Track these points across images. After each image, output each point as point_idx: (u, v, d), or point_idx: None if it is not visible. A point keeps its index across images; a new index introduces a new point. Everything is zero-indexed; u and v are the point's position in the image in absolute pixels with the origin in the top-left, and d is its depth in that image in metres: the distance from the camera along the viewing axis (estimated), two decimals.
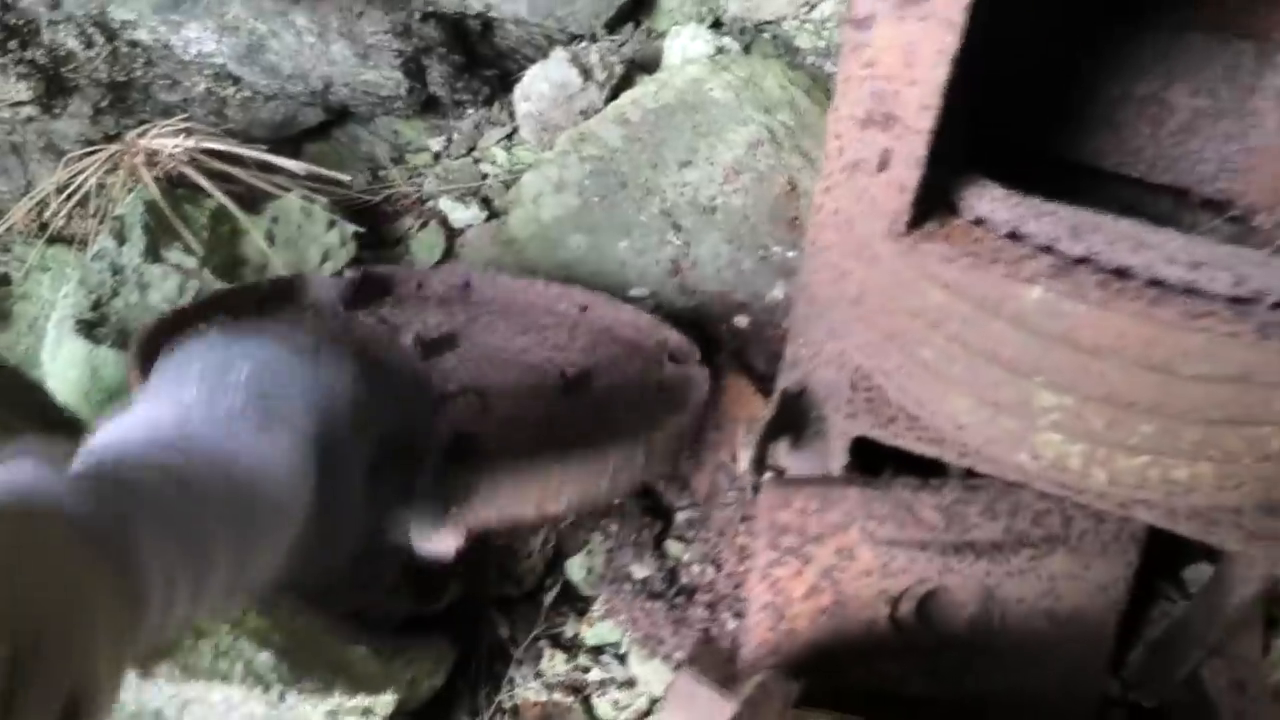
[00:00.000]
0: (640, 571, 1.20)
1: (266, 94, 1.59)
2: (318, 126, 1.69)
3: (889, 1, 0.68)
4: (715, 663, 0.68)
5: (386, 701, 0.88)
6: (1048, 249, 0.77)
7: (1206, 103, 1.11)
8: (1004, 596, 0.98)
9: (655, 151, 1.59)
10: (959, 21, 0.64)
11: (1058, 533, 0.95)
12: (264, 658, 0.81)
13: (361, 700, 0.86)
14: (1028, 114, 1.16)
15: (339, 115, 1.71)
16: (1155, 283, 0.76)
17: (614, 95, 1.68)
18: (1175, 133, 1.13)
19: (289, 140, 1.66)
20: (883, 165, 0.74)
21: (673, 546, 1.24)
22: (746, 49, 1.78)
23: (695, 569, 1.21)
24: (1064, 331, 0.78)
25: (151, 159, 1.38)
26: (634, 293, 1.48)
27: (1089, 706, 1.07)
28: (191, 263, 1.29)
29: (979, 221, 0.80)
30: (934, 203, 0.81)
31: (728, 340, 1.39)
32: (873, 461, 1.04)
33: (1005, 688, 1.04)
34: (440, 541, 0.86)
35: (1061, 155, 1.21)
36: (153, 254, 1.27)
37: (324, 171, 1.52)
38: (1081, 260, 0.76)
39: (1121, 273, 0.76)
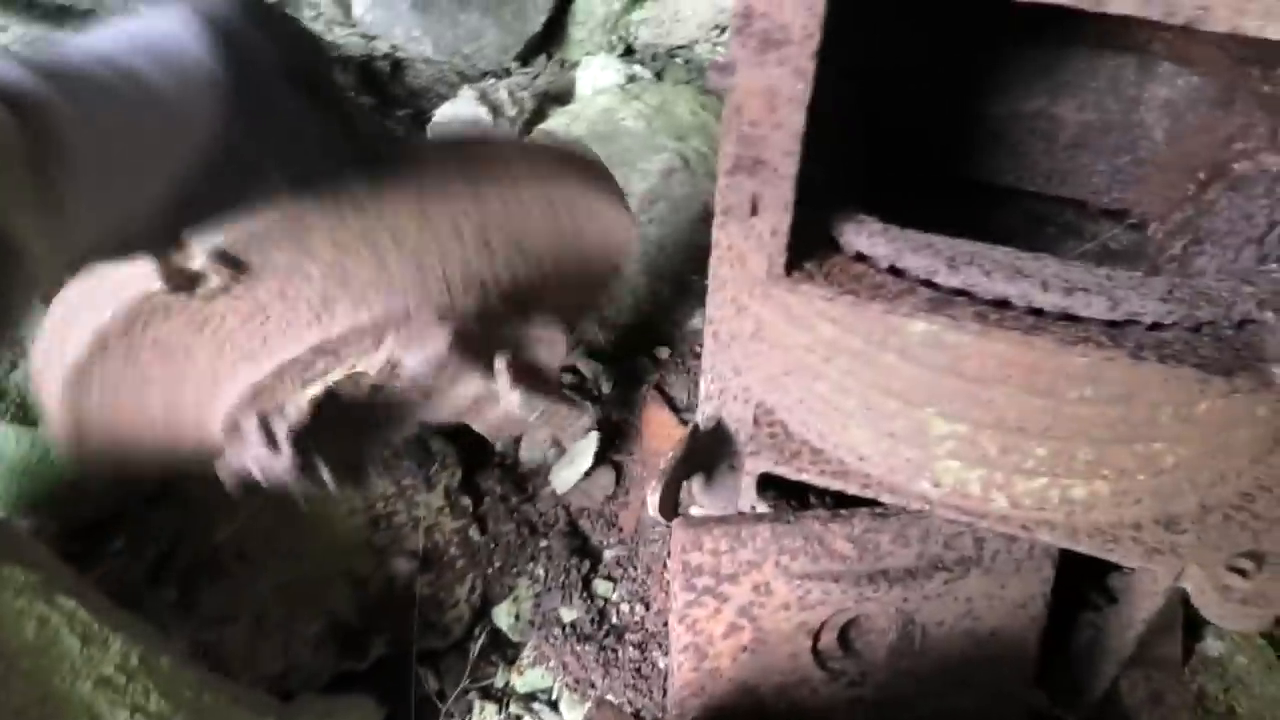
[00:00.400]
0: (569, 614, 1.19)
1: None
2: None
3: (749, 48, 0.68)
4: None
5: None
6: (927, 282, 0.78)
7: (1094, 116, 1.13)
8: (923, 621, 0.99)
9: None
10: (809, 69, 0.64)
11: (971, 554, 0.96)
12: None
13: None
14: (929, 137, 1.18)
15: None
16: (1033, 311, 0.76)
17: (527, 129, 1.68)
18: (1067, 147, 1.15)
19: None
20: (753, 210, 0.74)
21: (600, 586, 1.23)
22: (659, 75, 1.79)
23: (625, 608, 1.21)
24: (949, 362, 0.79)
25: None
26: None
27: None
28: None
29: (860, 257, 0.81)
30: (815, 240, 0.81)
31: (649, 372, 1.39)
32: (798, 492, 1.05)
33: (931, 711, 1.04)
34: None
35: (967, 175, 1.22)
36: None
37: None
38: (960, 292, 0.77)
39: (1001, 303, 0.77)
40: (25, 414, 1.20)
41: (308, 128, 0.70)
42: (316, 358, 0.89)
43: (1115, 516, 0.87)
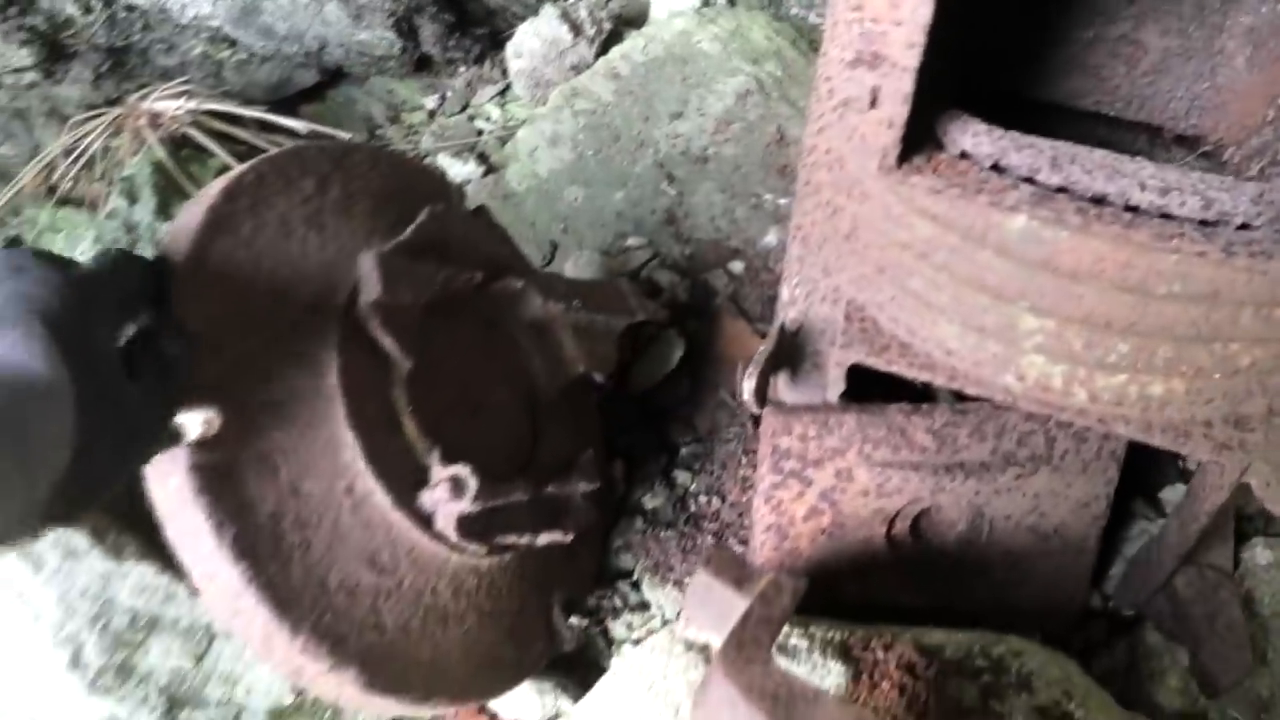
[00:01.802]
0: (652, 502, 1.25)
1: (262, 56, 1.61)
2: (313, 88, 1.72)
3: None
4: (729, 564, 0.74)
5: None
6: (1029, 180, 0.82)
7: (1177, 42, 1.16)
8: (992, 514, 1.05)
9: (646, 104, 1.63)
10: None
11: (1042, 453, 1.01)
12: None
13: None
14: (1007, 59, 1.21)
15: (334, 76, 1.74)
16: (1130, 209, 0.81)
17: (603, 50, 1.72)
18: (1148, 72, 1.18)
19: (285, 102, 1.68)
20: (872, 103, 0.79)
21: (680, 476, 1.29)
22: (731, 2, 1.82)
23: (702, 500, 1.27)
24: (1045, 257, 0.84)
25: (154, 121, 1.41)
26: (630, 242, 1.52)
27: (1071, 616, 1.14)
28: None
29: (964, 155, 0.85)
30: (921, 139, 0.86)
31: (723, 285, 1.44)
32: (867, 395, 1.10)
33: (992, 599, 1.10)
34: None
35: (1041, 97, 1.26)
36: (164, 212, 1.31)
37: (325, 129, 1.55)
38: (1060, 189, 0.82)
39: (1098, 200, 0.81)
40: None
41: (139, 405, 0.70)
42: None
43: (1188, 414, 0.92)
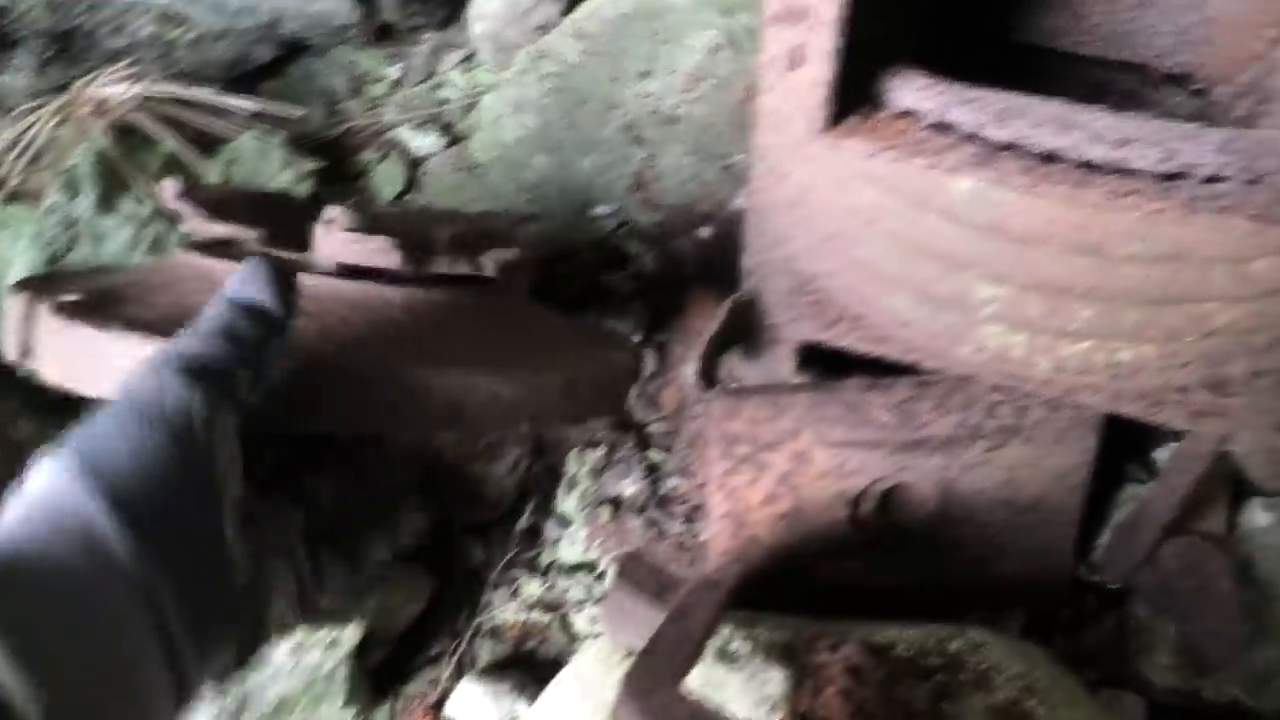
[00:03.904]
0: (630, 487, 1.21)
1: (215, 33, 1.56)
2: (271, 63, 1.66)
3: None
4: (646, 574, 0.69)
5: (351, 634, 0.91)
6: (974, 137, 0.76)
7: None
8: (963, 489, 0.99)
9: (615, 63, 1.56)
10: None
11: (1012, 424, 0.95)
12: None
13: (326, 634, 0.88)
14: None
15: (292, 50, 1.68)
16: (1085, 164, 0.74)
17: (571, 7, 1.64)
18: (1131, 7, 1.10)
19: (243, 79, 1.63)
20: (795, 61, 0.72)
21: (653, 455, 1.25)
22: None
23: (672, 481, 1.23)
24: (994, 221, 0.77)
25: (100, 108, 1.36)
26: (599, 210, 1.46)
27: (1057, 590, 1.08)
28: (145, 211, 1.29)
29: (906, 113, 0.79)
30: (860, 97, 0.79)
31: (693, 252, 1.38)
32: (837, 369, 1.04)
33: (972, 577, 1.05)
34: None
35: (1024, 39, 1.18)
36: (106, 205, 1.27)
37: (277, 108, 1.50)
38: (1008, 146, 0.75)
39: (1050, 157, 0.74)
40: None
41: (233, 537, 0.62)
42: None
43: (1162, 380, 0.85)
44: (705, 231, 1.40)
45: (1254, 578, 1.06)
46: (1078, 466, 0.99)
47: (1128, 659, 1.03)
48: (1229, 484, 1.11)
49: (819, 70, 0.71)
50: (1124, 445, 1.12)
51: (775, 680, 0.74)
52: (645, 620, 0.65)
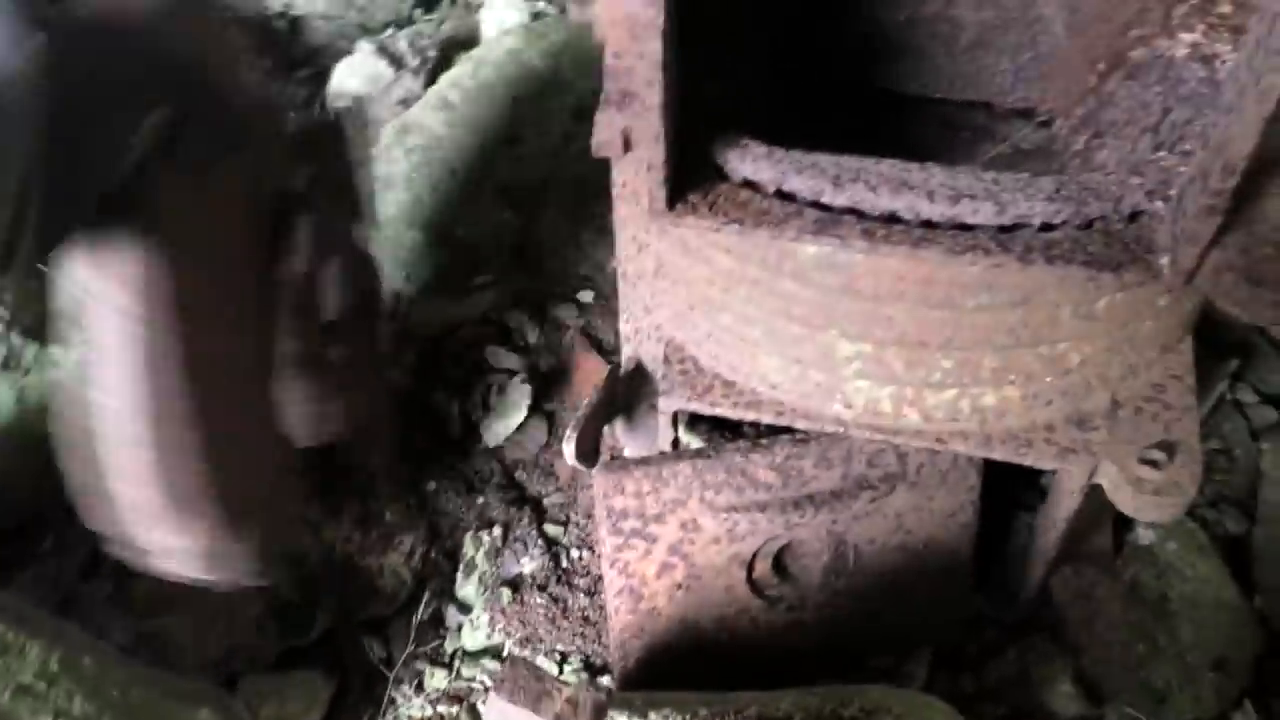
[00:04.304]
0: (530, 565, 1.18)
1: None
2: None
3: None
4: (524, 683, 0.67)
5: None
6: (815, 203, 0.76)
7: (992, 14, 1.11)
8: (855, 540, 0.99)
9: (482, 133, 1.55)
10: None
11: (895, 471, 0.96)
12: None
13: None
14: (834, 51, 1.15)
15: None
16: (924, 223, 0.75)
17: (433, 79, 1.63)
18: (968, 48, 1.13)
19: None
20: (626, 146, 0.72)
21: (551, 530, 1.22)
22: (564, 10, 1.74)
23: (574, 553, 1.20)
24: (844, 282, 0.78)
25: None
26: (478, 281, 1.44)
27: (957, 628, 1.09)
28: None
29: (748, 184, 0.79)
30: (701, 169, 0.79)
31: (574, 318, 1.37)
32: (733, 429, 1.04)
33: (875, 624, 1.05)
34: None
35: (877, 84, 1.20)
36: None
37: None
38: (848, 210, 0.75)
39: (889, 217, 0.75)
40: None
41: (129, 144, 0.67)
42: None
43: (1027, 420, 0.87)
44: (586, 295, 1.39)
45: (1143, 597, 1.08)
46: (964, 505, 1.00)
47: (1032, 691, 1.04)
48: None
49: (650, 154, 0.71)
50: (1014, 473, 1.14)
51: None
52: None
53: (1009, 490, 1.13)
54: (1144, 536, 1.12)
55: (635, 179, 0.84)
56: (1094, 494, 0.93)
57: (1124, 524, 1.14)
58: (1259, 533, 1.16)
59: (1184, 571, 1.10)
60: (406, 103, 1.60)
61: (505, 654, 1.12)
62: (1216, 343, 1.31)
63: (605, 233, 1.42)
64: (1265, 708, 1.06)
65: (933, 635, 1.09)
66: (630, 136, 0.72)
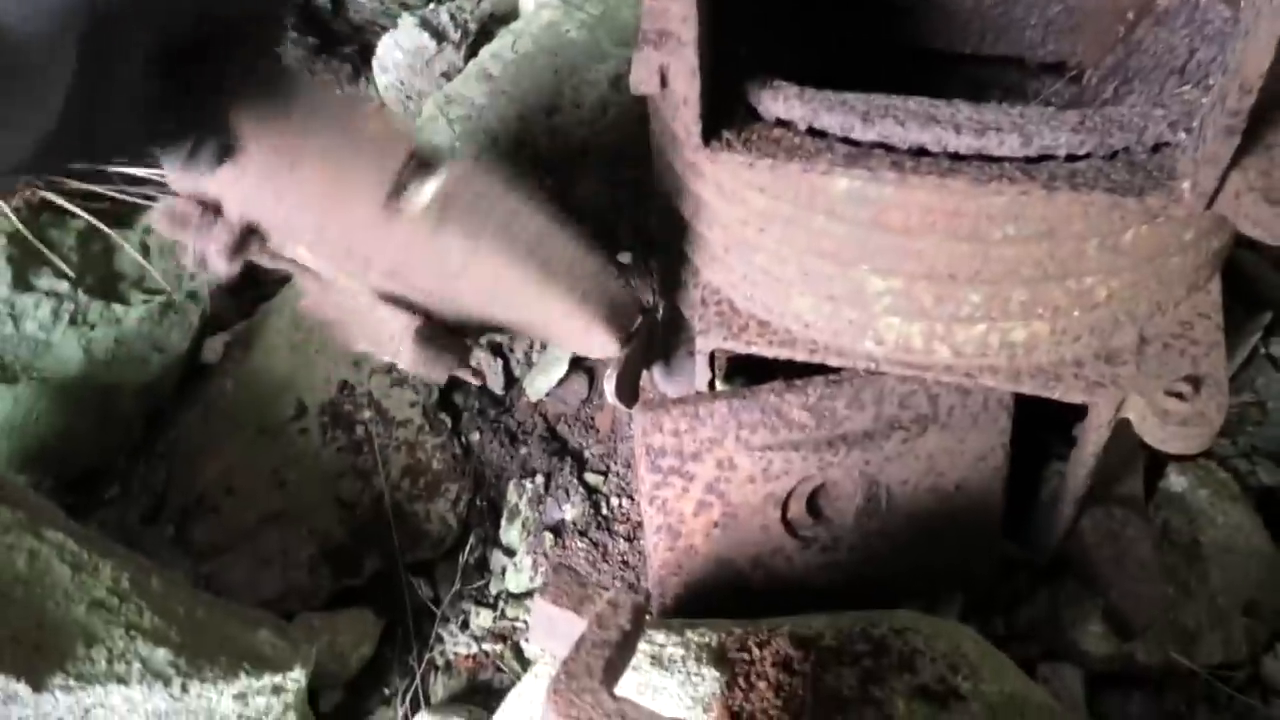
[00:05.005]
0: (571, 512, 1.22)
1: None
2: None
3: None
4: (568, 588, 0.71)
5: (296, 677, 0.91)
6: (845, 139, 0.79)
7: None
8: (887, 481, 1.01)
9: (521, 103, 1.59)
10: None
11: (926, 412, 0.98)
12: (160, 654, 0.83)
13: (270, 679, 0.88)
14: (862, 8, 1.17)
15: None
16: (951, 155, 0.78)
17: (474, 53, 1.67)
18: (998, 2, 1.15)
19: None
20: (663, 82, 0.75)
21: (591, 479, 1.26)
22: None
23: (614, 501, 1.24)
24: (874, 216, 0.80)
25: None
26: None
27: (988, 572, 1.11)
28: (64, 286, 1.29)
29: (782, 123, 0.82)
30: (735, 111, 0.82)
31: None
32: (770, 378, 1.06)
33: (905, 567, 1.07)
34: None
35: (905, 42, 1.22)
36: (22, 283, 1.27)
37: None
38: (878, 145, 0.78)
39: (918, 151, 0.78)
40: (5, 373, 1.22)
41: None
42: None
43: (1056, 355, 0.89)
44: (624, 256, 1.42)
45: (1175, 542, 1.10)
46: (995, 448, 1.02)
47: (1063, 632, 1.06)
48: (1145, 452, 1.15)
49: (686, 89, 0.74)
50: (1046, 423, 1.16)
51: (709, 680, 0.76)
52: (568, 630, 0.66)
53: (1041, 440, 1.14)
54: (1176, 484, 1.13)
55: (668, 121, 0.87)
56: (1124, 440, 0.95)
57: (1155, 472, 1.15)
58: None
59: (1215, 519, 1.11)
60: (448, 75, 1.65)
61: None
62: (1250, 297, 1.32)
63: (642, 197, 1.46)
64: None
65: (964, 580, 1.11)
66: (666, 73, 0.75)
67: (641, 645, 0.81)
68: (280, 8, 0.78)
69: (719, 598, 1.05)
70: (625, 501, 1.24)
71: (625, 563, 1.18)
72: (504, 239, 0.86)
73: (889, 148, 0.78)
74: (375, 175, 0.83)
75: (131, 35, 0.66)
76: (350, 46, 1.74)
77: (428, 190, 0.84)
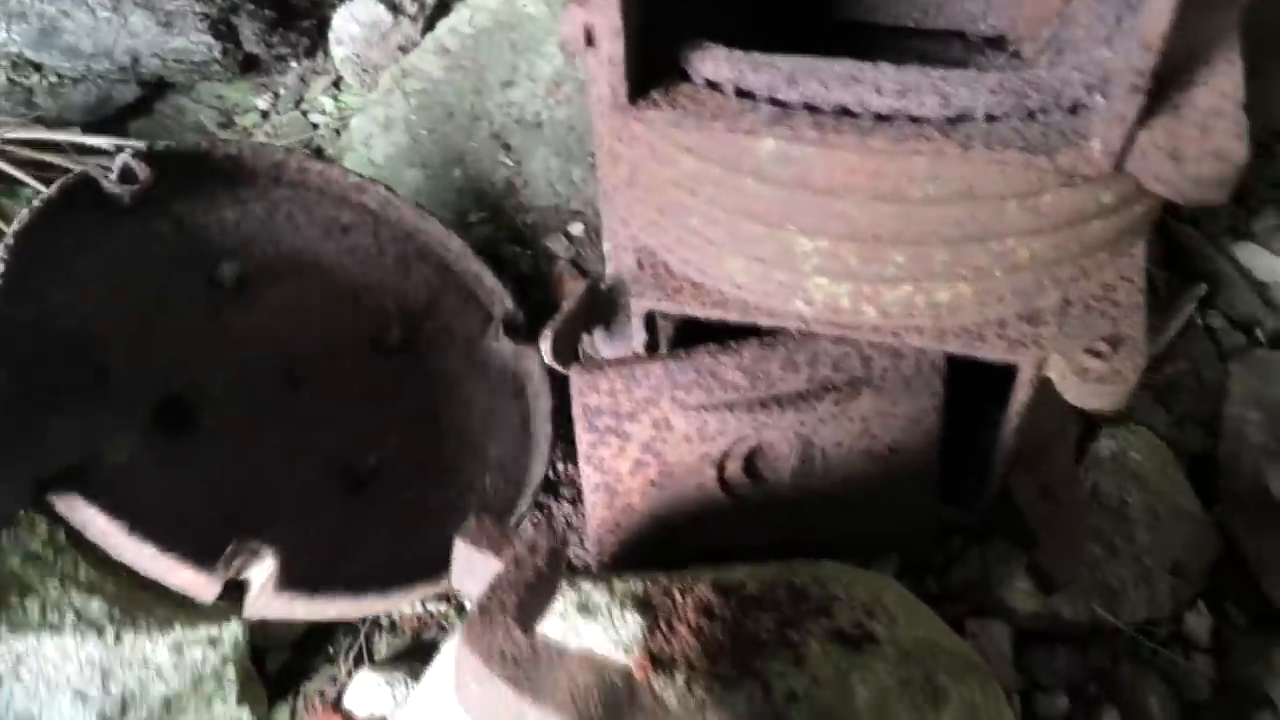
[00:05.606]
0: None
1: (73, 76, 1.56)
2: (136, 102, 1.67)
3: None
4: (488, 532, 0.72)
5: (233, 630, 0.92)
6: (771, 100, 0.80)
7: None
8: (821, 443, 1.03)
9: (478, 76, 1.60)
10: None
11: (859, 374, 1.00)
12: (95, 604, 0.84)
13: (205, 631, 0.89)
14: None
15: (157, 88, 1.69)
16: (874, 116, 0.79)
17: (430, 26, 1.68)
18: None
19: (110, 120, 1.63)
20: (589, 40, 0.77)
21: None
22: None
23: (559, 466, 1.26)
24: (799, 176, 0.82)
25: None
26: (473, 218, 1.49)
27: (924, 534, 1.13)
28: None
29: (711, 85, 0.83)
30: (664, 72, 0.84)
31: (564, 249, 1.42)
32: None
33: (841, 528, 1.09)
34: None
35: (847, 16, 1.24)
36: None
37: (142, 145, 1.50)
38: (803, 106, 0.80)
39: (841, 111, 0.79)
40: None
41: None
42: None
43: (980, 316, 0.91)
44: (576, 227, 1.44)
45: (1103, 504, 1.13)
46: (928, 411, 1.04)
47: (991, 590, 1.09)
48: (1077, 417, 1.18)
49: (611, 48, 0.75)
50: (984, 388, 1.18)
51: (631, 624, 0.77)
52: (486, 571, 0.68)
53: (977, 405, 1.17)
54: (1105, 448, 1.16)
55: (598, 80, 0.88)
56: (1055, 404, 0.97)
57: (1087, 436, 1.18)
58: (1223, 448, 1.20)
59: (1145, 481, 1.14)
60: (405, 49, 1.65)
61: None
62: (1187, 270, 1.35)
63: (594, 169, 1.48)
64: (1219, 610, 1.10)
65: (900, 542, 1.13)
66: (592, 31, 0.76)
67: (568, 594, 0.83)
68: None
69: (656, 555, 1.06)
70: (570, 467, 1.25)
71: (569, 524, 1.20)
72: None
73: (814, 109, 0.79)
74: None
75: None
76: (308, 20, 1.74)
77: None
